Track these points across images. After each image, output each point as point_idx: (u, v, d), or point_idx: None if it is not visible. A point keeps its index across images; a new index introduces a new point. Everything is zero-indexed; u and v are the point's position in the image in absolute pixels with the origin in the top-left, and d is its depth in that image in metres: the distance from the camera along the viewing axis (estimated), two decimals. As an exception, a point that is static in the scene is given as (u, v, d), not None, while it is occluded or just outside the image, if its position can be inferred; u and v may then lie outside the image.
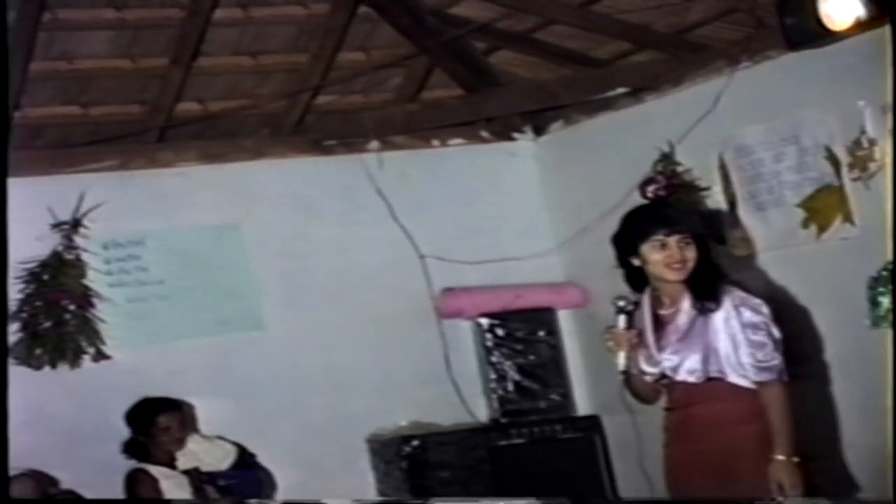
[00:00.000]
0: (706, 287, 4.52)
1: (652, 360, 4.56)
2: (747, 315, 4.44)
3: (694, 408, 4.53)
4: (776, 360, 4.44)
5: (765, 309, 4.48)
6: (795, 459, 4.40)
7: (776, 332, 4.47)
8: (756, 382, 4.43)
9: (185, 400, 6.34)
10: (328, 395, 6.78)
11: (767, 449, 4.40)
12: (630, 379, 4.66)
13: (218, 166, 6.86)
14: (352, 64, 6.96)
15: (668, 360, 4.52)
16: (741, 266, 6.19)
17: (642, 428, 6.49)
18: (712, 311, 4.46)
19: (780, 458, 4.38)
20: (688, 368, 4.50)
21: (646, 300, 4.63)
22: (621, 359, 4.58)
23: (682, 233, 4.54)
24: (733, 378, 4.46)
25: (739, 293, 4.50)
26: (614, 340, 4.59)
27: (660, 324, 4.58)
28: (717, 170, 6.54)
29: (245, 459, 6.35)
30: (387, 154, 7.11)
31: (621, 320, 4.60)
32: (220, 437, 6.35)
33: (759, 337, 4.43)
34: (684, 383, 4.52)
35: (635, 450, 6.55)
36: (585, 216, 6.96)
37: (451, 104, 7.26)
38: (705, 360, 4.47)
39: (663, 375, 4.57)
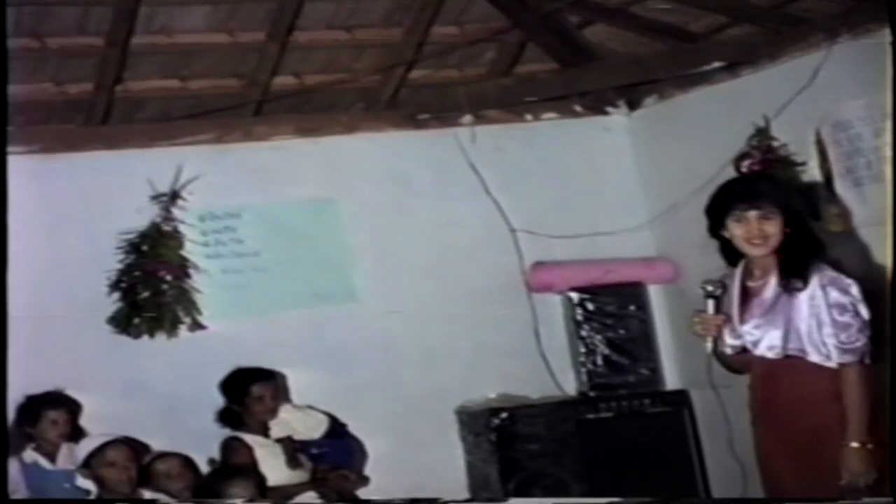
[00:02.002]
0: (794, 264, 4.47)
1: (734, 333, 4.54)
2: (834, 295, 4.38)
3: (775, 386, 4.50)
4: (859, 342, 4.38)
5: (854, 290, 4.41)
6: (870, 446, 4.32)
7: (864, 313, 4.40)
8: (837, 363, 4.38)
9: (279, 370, 6.43)
10: (419, 368, 6.86)
11: (844, 425, 4.34)
12: (721, 350, 4.64)
13: (313, 140, 6.94)
14: (446, 38, 6.99)
15: (749, 333, 4.50)
16: (836, 242, 6.13)
17: (729, 403, 6.50)
18: (799, 289, 4.42)
19: (854, 444, 4.32)
20: (767, 344, 4.47)
21: (738, 271, 4.60)
22: (709, 343, 4.59)
23: (760, 207, 4.51)
24: (814, 357, 4.41)
25: (829, 272, 4.43)
26: (702, 325, 4.59)
27: (747, 296, 4.55)
28: (813, 145, 6.46)
29: (336, 429, 6.43)
30: (480, 128, 7.14)
31: (710, 305, 4.58)
32: (311, 407, 6.45)
33: (845, 318, 4.37)
34: (764, 359, 4.49)
35: (723, 425, 6.55)
36: (678, 191, 6.93)
37: (544, 78, 7.25)
38: (785, 337, 4.44)
39: (744, 349, 4.54)
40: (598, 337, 6.93)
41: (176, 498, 5.76)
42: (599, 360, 6.91)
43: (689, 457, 6.47)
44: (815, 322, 4.39)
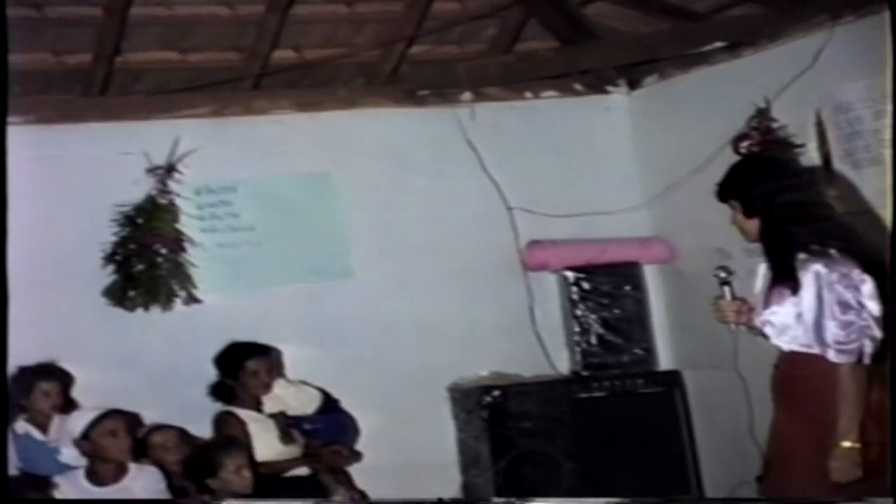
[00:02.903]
0: (771, 261, 4.45)
1: (757, 317, 4.52)
2: (840, 290, 4.29)
3: (792, 370, 4.48)
4: (858, 342, 4.29)
5: (865, 286, 4.31)
6: (857, 446, 4.28)
7: (873, 310, 4.30)
8: (833, 362, 4.32)
9: (273, 345, 6.44)
10: (413, 344, 6.88)
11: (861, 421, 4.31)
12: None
13: (312, 115, 6.94)
14: (447, 14, 6.96)
15: (766, 319, 4.48)
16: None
17: (724, 384, 6.52)
18: (793, 291, 4.34)
19: (844, 444, 4.28)
20: (778, 334, 4.46)
21: None
22: (732, 329, 4.61)
23: (725, 199, 4.56)
24: (814, 349, 4.37)
25: (841, 266, 4.31)
26: (721, 312, 4.60)
27: (774, 281, 4.47)
28: (813, 127, 6.43)
29: (329, 405, 6.45)
30: (480, 105, 7.14)
31: (726, 291, 4.58)
32: (304, 383, 6.46)
33: (848, 317, 4.29)
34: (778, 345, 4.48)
35: (717, 406, 6.56)
36: (676, 172, 6.95)
37: (545, 56, 7.22)
38: (794, 330, 4.40)
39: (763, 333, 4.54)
40: (593, 316, 6.94)
41: (171, 470, 5.78)
42: (594, 340, 6.92)
43: (680, 437, 6.48)
44: (819, 316, 4.33)
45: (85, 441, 5.51)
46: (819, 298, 4.32)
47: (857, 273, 4.32)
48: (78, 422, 5.58)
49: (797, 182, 4.57)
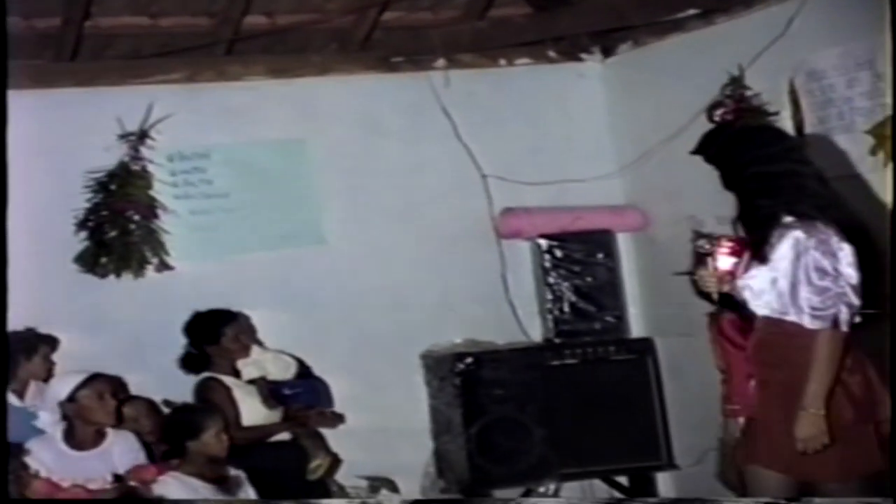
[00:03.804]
0: (748, 229, 4.48)
1: (738, 282, 4.55)
2: (816, 256, 4.32)
3: (765, 337, 4.52)
4: (834, 308, 4.31)
5: (842, 253, 4.33)
6: (822, 413, 4.30)
7: (851, 277, 4.32)
8: (808, 327, 4.35)
9: (245, 311, 6.44)
10: (386, 311, 6.88)
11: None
12: None
13: (285, 81, 6.91)
14: (421, -21, 6.97)
15: (746, 285, 4.50)
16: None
17: (696, 352, 6.53)
18: (761, 260, 4.38)
19: (810, 410, 4.30)
20: (755, 299, 4.49)
21: None
22: (715, 298, 4.62)
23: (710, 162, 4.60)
24: (792, 317, 4.39)
25: (822, 233, 4.34)
26: (702, 281, 4.61)
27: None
28: (786, 94, 6.44)
29: (303, 371, 6.47)
30: (453, 72, 7.12)
31: (708, 262, 4.59)
32: (279, 350, 6.47)
33: (824, 283, 4.31)
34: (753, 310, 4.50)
35: (688, 373, 6.59)
36: (649, 139, 6.96)
37: (519, 22, 7.20)
38: (768, 296, 4.43)
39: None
40: (566, 284, 6.94)
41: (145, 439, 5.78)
42: (566, 308, 6.93)
43: (651, 404, 6.51)
44: (795, 282, 4.35)
45: (71, 403, 5.51)
46: (795, 264, 4.35)
47: (835, 240, 4.35)
48: (64, 385, 5.57)
49: (768, 153, 4.55)
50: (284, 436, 6.21)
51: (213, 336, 6.23)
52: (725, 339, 6.02)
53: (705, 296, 5.81)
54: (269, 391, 6.28)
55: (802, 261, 4.33)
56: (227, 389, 6.14)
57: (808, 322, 4.34)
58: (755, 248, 4.44)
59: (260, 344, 6.48)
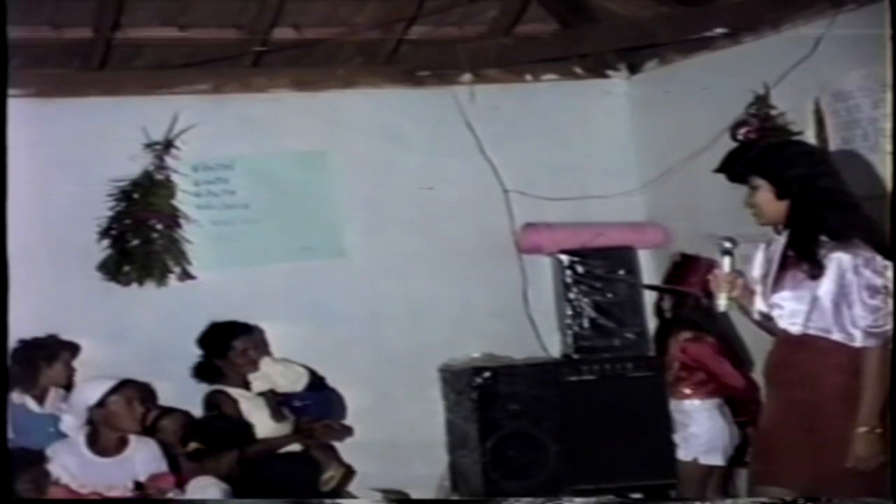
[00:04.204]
0: (798, 244, 4.42)
1: (765, 300, 4.52)
2: (868, 275, 4.30)
3: (788, 356, 4.49)
4: (886, 325, 4.29)
5: (890, 272, 4.29)
6: (878, 431, 4.28)
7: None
8: (861, 346, 4.31)
9: (263, 323, 6.50)
10: (404, 324, 6.91)
11: (851, 404, 4.30)
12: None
13: (310, 94, 6.95)
14: (448, -6, 6.98)
15: (776, 304, 4.48)
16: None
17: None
18: (814, 276, 4.35)
19: (863, 429, 4.28)
20: (790, 318, 4.45)
21: (782, 239, 4.53)
22: (722, 300, 4.57)
23: (741, 179, 4.53)
24: (836, 336, 4.37)
25: (865, 252, 4.32)
26: (715, 282, 4.58)
27: (787, 264, 4.48)
28: (811, 114, 6.42)
29: (315, 381, 6.50)
30: (479, 87, 7.13)
31: (725, 262, 4.56)
32: (289, 360, 6.49)
33: (876, 301, 4.30)
34: (785, 330, 4.47)
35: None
36: (672, 157, 6.96)
37: (545, 39, 7.22)
38: (808, 315, 4.40)
39: (769, 317, 4.53)
40: (586, 300, 6.91)
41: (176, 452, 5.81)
42: (586, 323, 6.90)
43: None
44: (845, 302, 4.33)
45: (100, 409, 5.54)
46: (841, 283, 4.33)
47: (879, 259, 4.33)
48: (94, 390, 5.61)
49: (830, 168, 4.57)
50: (297, 447, 6.25)
51: (222, 349, 6.28)
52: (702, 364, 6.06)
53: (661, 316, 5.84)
54: (280, 403, 6.31)
55: (853, 279, 4.32)
56: (235, 402, 6.18)
57: (859, 341, 4.32)
58: (805, 261, 4.39)
59: (270, 355, 6.49)
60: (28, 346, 6.07)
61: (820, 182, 4.45)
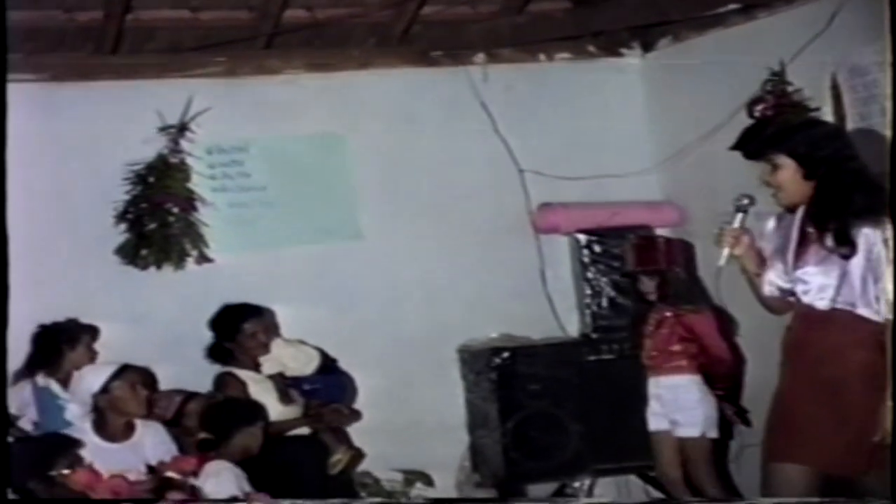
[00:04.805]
0: (824, 225, 4.41)
1: (785, 276, 4.51)
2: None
3: (812, 332, 4.48)
4: None
5: None
6: None
7: None
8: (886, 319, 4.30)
9: (280, 306, 6.46)
10: (422, 306, 6.90)
11: (874, 378, 4.28)
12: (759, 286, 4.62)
13: (324, 75, 6.92)
14: (460, -26, 6.95)
15: (800, 280, 4.46)
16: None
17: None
18: (845, 256, 4.34)
19: (891, 403, 4.21)
20: (818, 294, 4.44)
21: (798, 214, 4.53)
22: (724, 255, 4.57)
23: (761, 155, 4.53)
24: (862, 310, 4.37)
25: (891, 226, 4.26)
26: (720, 234, 4.58)
27: (807, 240, 4.49)
28: (828, 90, 6.38)
29: (327, 364, 6.47)
30: (492, 67, 7.11)
31: (738, 218, 4.57)
32: (302, 342, 6.46)
33: None
34: (810, 306, 4.46)
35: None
36: (688, 135, 6.93)
37: (558, 17, 7.17)
38: (838, 290, 4.40)
39: (791, 293, 4.52)
40: (604, 279, 6.92)
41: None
42: (604, 302, 6.91)
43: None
44: (872, 276, 4.33)
45: (104, 395, 5.53)
46: (869, 258, 4.33)
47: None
48: (97, 376, 5.60)
49: (855, 150, 4.56)
50: (305, 430, 6.23)
51: (232, 331, 6.26)
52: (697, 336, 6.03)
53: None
54: (289, 386, 6.29)
55: (879, 253, 4.32)
56: (243, 384, 6.16)
57: (886, 314, 4.30)
58: (840, 242, 4.37)
59: (281, 338, 6.43)
60: (49, 330, 6.07)
61: (849, 164, 4.46)
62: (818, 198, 4.45)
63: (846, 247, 4.37)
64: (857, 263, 4.37)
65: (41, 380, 5.99)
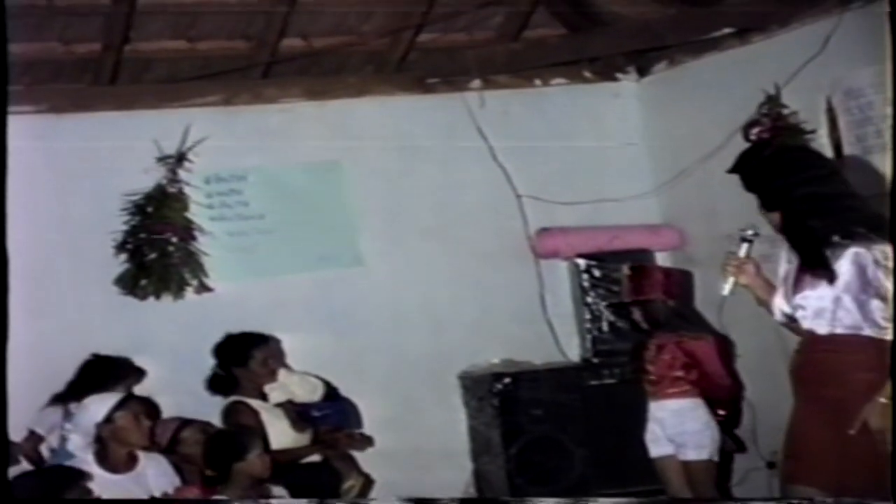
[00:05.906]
0: (801, 253, 4.43)
1: (788, 301, 4.52)
2: (889, 266, 4.26)
3: (815, 355, 4.49)
4: None
5: None
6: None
7: None
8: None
9: (283, 334, 6.43)
10: (424, 332, 6.90)
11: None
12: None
13: (321, 103, 6.93)
14: (455, 1, 6.94)
15: (799, 305, 4.47)
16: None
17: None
18: (830, 281, 4.34)
19: (883, 400, 4.23)
20: (814, 319, 4.44)
21: None
22: (728, 284, 4.58)
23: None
24: (868, 332, 4.36)
25: (882, 247, 4.29)
26: (727, 265, 4.58)
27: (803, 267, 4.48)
28: (823, 113, 6.41)
29: (330, 392, 6.45)
30: (489, 93, 7.13)
31: (743, 248, 4.58)
32: (304, 372, 6.44)
33: None
34: (812, 330, 4.46)
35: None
36: (685, 158, 6.95)
37: (554, 43, 7.23)
38: (833, 313, 4.40)
39: (793, 318, 4.53)
40: (604, 303, 6.92)
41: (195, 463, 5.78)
42: (605, 327, 6.91)
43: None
44: (871, 296, 4.33)
45: (107, 425, 5.49)
46: (863, 278, 4.33)
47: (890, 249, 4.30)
48: (100, 406, 5.54)
49: (815, 174, 4.54)
50: (316, 457, 6.21)
51: (242, 359, 6.22)
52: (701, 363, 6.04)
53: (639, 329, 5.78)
54: (298, 413, 6.27)
55: (873, 273, 4.31)
56: (255, 413, 6.13)
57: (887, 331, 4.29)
58: (815, 268, 4.39)
59: (286, 366, 6.42)
60: (101, 361, 6.08)
61: (798, 191, 4.44)
62: (784, 227, 4.48)
63: (820, 270, 4.37)
64: (849, 285, 4.36)
65: (74, 408, 5.94)
